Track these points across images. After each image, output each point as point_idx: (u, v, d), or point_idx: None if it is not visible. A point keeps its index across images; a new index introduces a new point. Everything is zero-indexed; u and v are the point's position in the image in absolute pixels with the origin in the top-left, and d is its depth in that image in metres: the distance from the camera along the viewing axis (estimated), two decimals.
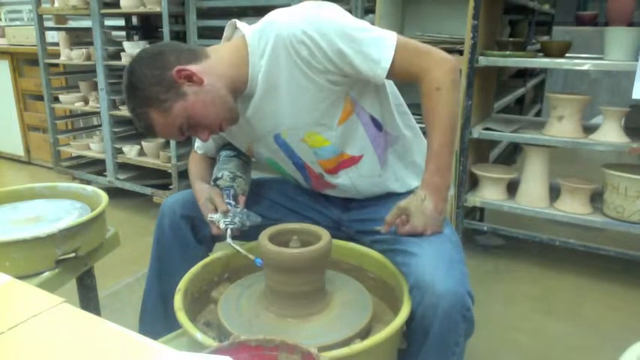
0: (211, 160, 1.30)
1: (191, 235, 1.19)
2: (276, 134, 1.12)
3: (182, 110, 1.00)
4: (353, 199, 1.23)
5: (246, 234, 1.09)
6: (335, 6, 1.03)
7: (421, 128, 1.15)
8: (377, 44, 0.98)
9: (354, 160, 1.13)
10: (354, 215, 1.22)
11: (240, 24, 1.11)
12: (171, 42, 1.12)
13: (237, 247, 1.03)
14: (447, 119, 1.00)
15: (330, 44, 0.97)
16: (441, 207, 1.01)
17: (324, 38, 0.96)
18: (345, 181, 1.16)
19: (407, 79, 1.03)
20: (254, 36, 1.04)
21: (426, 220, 0.99)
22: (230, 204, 1.10)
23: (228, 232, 1.06)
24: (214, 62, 1.04)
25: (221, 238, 1.09)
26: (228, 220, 1.07)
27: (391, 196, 1.17)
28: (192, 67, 1.00)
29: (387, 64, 0.98)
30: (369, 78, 1.01)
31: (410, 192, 1.18)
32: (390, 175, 1.17)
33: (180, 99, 0.99)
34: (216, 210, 1.09)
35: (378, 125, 1.12)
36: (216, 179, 1.16)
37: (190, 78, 1.00)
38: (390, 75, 1.00)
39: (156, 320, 1.20)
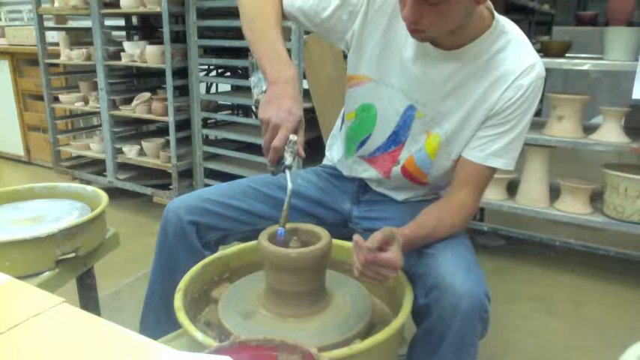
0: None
1: (196, 240, 1.16)
2: (412, 106, 1.07)
3: None
4: (366, 190, 1.23)
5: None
6: None
7: None
8: (507, 151, 1.04)
9: (421, 184, 1.16)
10: (364, 212, 1.22)
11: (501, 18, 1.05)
12: None
13: (288, 175, 0.91)
14: (437, 234, 1.01)
15: (514, 111, 1.00)
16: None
17: (521, 104, 1.00)
18: (397, 186, 1.18)
19: (452, 175, 1.08)
20: (502, 27, 1.02)
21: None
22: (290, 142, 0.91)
23: (287, 172, 0.91)
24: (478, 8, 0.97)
25: (269, 167, 0.94)
26: (290, 159, 0.90)
27: (399, 202, 1.20)
28: None
29: (487, 163, 1.03)
30: (470, 145, 1.05)
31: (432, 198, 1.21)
32: (423, 191, 1.21)
33: None
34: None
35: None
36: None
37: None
38: (463, 164, 1.05)
39: (158, 325, 1.19)
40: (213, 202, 1.19)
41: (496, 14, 1.02)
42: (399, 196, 1.20)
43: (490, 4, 1.02)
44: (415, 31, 0.94)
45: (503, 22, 1.03)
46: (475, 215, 2.43)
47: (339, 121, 1.30)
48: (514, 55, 1.01)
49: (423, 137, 1.09)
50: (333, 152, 1.31)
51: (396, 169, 1.14)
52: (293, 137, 0.90)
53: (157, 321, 1.19)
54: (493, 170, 1.05)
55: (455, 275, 0.90)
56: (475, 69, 1.01)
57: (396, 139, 1.12)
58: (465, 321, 0.88)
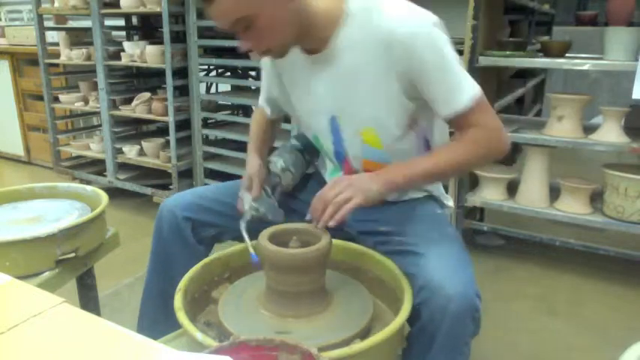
0: (272, 124, 1.32)
1: (191, 236, 1.19)
2: (333, 116, 1.09)
3: (257, 7, 0.92)
4: None
5: (263, 225, 1.06)
6: (444, 31, 1.01)
7: None
8: (461, 86, 0.98)
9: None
10: (358, 215, 1.22)
11: None
12: None
13: (245, 235, 1.03)
14: (454, 164, 1.00)
15: (422, 58, 0.95)
16: (376, 181, 0.98)
17: (420, 49, 0.95)
18: None
19: (458, 128, 1.03)
20: (356, 6, 1.00)
21: (354, 179, 0.97)
22: (266, 191, 1.11)
23: (248, 216, 1.06)
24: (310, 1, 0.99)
25: (240, 217, 1.10)
26: (256, 205, 1.08)
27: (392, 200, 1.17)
28: None
29: (459, 108, 0.98)
30: (436, 109, 1.00)
31: (416, 196, 1.19)
32: (415, 190, 1.18)
33: None
34: (250, 190, 1.11)
35: (428, 148, 1.12)
36: (269, 162, 1.17)
37: None
38: (454, 119, 1.00)
39: (156, 321, 1.20)
40: (208, 199, 1.22)
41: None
42: (391, 196, 1.17)
43: None
44: (264, 54, 1.01)
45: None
46: (475, 215, 2.45)
47: None
48: (385, 17, 0.97)
49: (359, 138, 1.08)
50: (322, 169, 1.32)
51: (357, 172, 1.13)
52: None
53: (155, 320, 1.20)
54: (471, 105, 0.98)
55: (444, 276, 0.89)
56: (356, 53, 1.00)
57: (339, 153, 1.14)
58: (455, 322, 0.87)
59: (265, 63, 1.20)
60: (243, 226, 1.06)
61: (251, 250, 0.99)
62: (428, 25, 0.96)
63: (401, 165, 1.01)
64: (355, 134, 1.08)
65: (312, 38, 1.01)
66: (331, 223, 0.95)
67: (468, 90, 0.98)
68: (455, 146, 1.01)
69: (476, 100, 0.98)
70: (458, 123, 1.01)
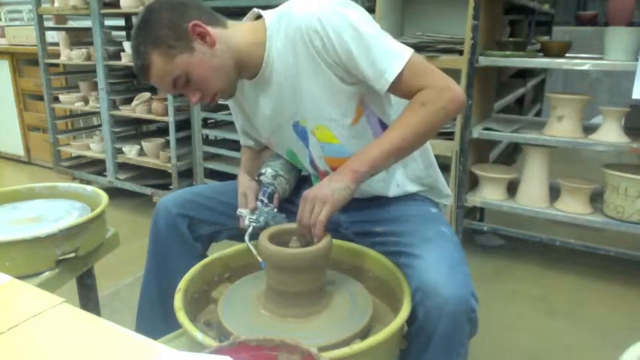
0: (260, 153, 1.34)
1: (188, 233, 1.20)
2: (295, 122, 1.11)
3: (185, 63, 0.99)
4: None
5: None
6: (359, 8, 1.02)
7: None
8: (387, 55, 0.96)
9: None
10: (353, 216, 1.22)
11: (261, 11, 1.11)
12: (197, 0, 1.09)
13: (251, 247, 1.03)
14: (412, 134, 0.97)
15: (339, 40, 0.96)
16: (338, 179, 0.97)
17: (335, 32, 0.96)
18: None
19: (406, 98, 1.01)
20: (273, 20, 1.05)
21: (317, 189, 0.97)
22: (262, 201, 1.12)
23: (250, 229, 1.06)
24: (231, 33, 1.05)
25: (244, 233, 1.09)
26: (254, 217, 1.08)
27: (389, 198, 1.16)
28: (209, 28, 1.00)
29: (391, 78, 0.96)
30: (373, 86, 0.99)
31: (407, 195, 1.17)
32: (392, 180, 1.16)
33: (187, 52, 0.99)
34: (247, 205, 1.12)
35: (383, 125, 1.11)
36: (260, 174, 1.18)
37: (204, 37, 1.00)
38: (393, 90, 0.98)
39: (154, 319, 1.20)
40: (204, 197, 1.23)
41: (265, 15, 1.07)
42: (371, 191, 1.16)
43: (258, 12, 1.09)
44: (213, 99, 1.06)
45: (271, 14, 1.06)
46: (475, 215, 2.45)
47: None
48: (294, 16, 1.01)
49: (313, 137, 1.10)
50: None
51: (328, 173, 1.14)
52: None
53: (152, 318, 1.20)
54: (405, 71, 0.96)
55: (439, 277, 0.88)
56: (285, 61, 1.04)
57: (310, 156, 1.15)
58: (451, 323, 0.87)
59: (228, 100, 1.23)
60: (247, 239, 1.05)
61: (259, 259, 0.98)
62: (331, 7, 0.98)
63: (359, 153, 0.99)
64: (310, 135, 1.10)
65: (248, 67, 1.06)
66: (315, 240, 0.94)
67: (397, 57, 0.97)
68: (406, 116, 0.98)
69: (409, 65, 0.96)
70: (403, 93, 1.00)
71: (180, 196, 1.23)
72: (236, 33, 1.05)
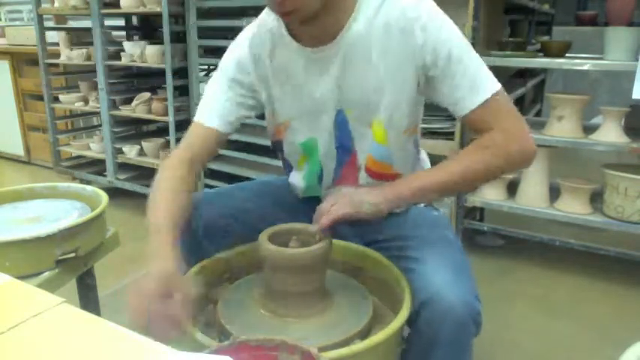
0: (191, 169, 1.03)
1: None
2: (339, 110, 1.01)
3: None
4: None
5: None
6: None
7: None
8: (474, 82, 0.91)
9: (394, 176, 1.06)
10: (358, 230, 1.19)
11: None
12: None
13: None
14: (463, 173, 0.92)
15: (442, 51, 0.90)
16: (375, 195, 0.93)
17: (438, 40, 0.90)
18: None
19: (475, 132, 0.96)
20: None
21: (352, 193, 0.93)
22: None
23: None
24: None
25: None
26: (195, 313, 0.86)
27: None
28: None
29: (473, 105, 0.91)
30: (449, 106, 0.94)
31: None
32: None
33: None
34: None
35: (417, 147, 1.10)
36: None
37: None
38: (465, 120, 0.93)
39: None
40: (245, 210, 1.12)
41: None
42: None
43: None
44: (287, 15, 0.89)
45: None
46: (475, 215, 2.45)
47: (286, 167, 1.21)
48: (394, 2, 0.92)
49: (368, 131, 1.01)
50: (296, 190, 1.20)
51: (362, 175, 1.07)
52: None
53: None
54: (490, 104, 0.92)
55: (443, 281, 0.87)
56: (370, 40, 0.94)
57: (345, 149, 1.05)
58: (457, 327, 0.86)
59: (233, 78, 1.06)
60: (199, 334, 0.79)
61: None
62: (441, 14, 0.93)
63: (409, 177, 0.98)
64: (366, 127, 1.01)
65: (329, 17, 0.93)
66: (316, 227, 0.92)
67: (490, 85, 0.92)
68: (465, 154, 0.94)
69: (496, 97, 0.92)
70: (474, 123, 0.94)
71: (229, 204, 1.10)
72: None
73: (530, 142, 0.95)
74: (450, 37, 0.92)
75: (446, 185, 0.93)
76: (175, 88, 2.58)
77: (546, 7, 3.70)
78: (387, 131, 1.01)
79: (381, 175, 1.07)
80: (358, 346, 0.78)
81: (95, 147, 3.05)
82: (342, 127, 1.03)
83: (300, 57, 0.99)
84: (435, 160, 1.24)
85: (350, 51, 0.95)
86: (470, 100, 0.92)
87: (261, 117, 1.16)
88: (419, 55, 0.92)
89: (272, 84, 1.05)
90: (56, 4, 2.90)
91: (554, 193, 2.11)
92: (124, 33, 3.23)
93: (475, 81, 0.92)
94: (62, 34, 3.05)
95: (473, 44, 1.96)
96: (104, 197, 1.27)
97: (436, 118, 2.18)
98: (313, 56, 0.98)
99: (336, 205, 0.93)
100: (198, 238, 1.08)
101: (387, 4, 0.93)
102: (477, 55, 0.95)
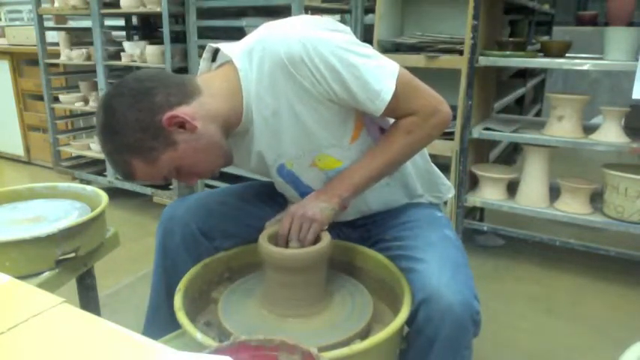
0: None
1: (212, 248, 1.11)
2: (280, 165, 1.04)
3: (170, 160, 0.90)
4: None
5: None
6: (331, 21, 0.95)
7: None
8: (377, 73, 0.90)
9: None
10: (358, 233, 1.19)
11: (224, 47, 0.98)
12: (157, 72, 0.94)
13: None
14: (394, 160, 0.99)
15: (328, 67, 0.87)
16: (325, 199, 0.97)
17: (322, 60, 0.87)
18: (357, 198, 1.06)
19: (395, 119, 0.98)
20: (243, 59, 0.94)
21: (305, 207, 0.96)
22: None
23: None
24: (207, 99, 0.93)
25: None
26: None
27: (393, 209, 1.16)
28: (185, 111, 0.89)
29: (387, 97, 0.90)
30: (366, 109, 0.93)
31: (416, 202, 1.17)
32: (397, 182, 1.14)
33: (170, 148, 0.89)
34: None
35: (375, 133, 1.08)
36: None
37: (183, 125, 0.89)
38: (386, 109, 0.92)
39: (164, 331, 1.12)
40: (227, 205, 1.15)
41: (232, 56, 0.95)
42: (380, 199, 1.13)
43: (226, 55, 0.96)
44: (212, 173, 0.99)
45: (239, 53, 0.95)
46: (475, 215, 2.45)
47: None
48: (269, 48, 0.89)
49: (314, 170, 1.04)
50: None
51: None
52: None
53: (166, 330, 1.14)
54: (396, 93, 0.91)
55: (443, 281, 0.88)
56: (266, 101, 0.94)
57: (307, 192, 1.04)
58: (455, 326, 0.87)
59: None
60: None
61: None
62: (312, 32, 0.88)
63: (343, 176, 0.99)
64: (308, 168, 1.03)
65: (235, 123, 0.97)
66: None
67: (389, 77, 0.90)
68: (391, 141, 0.97)
69: (398, 86, 0.91)
70: (393, 115, 0.97)
71: (199, 203, 1.11)
72: (212, 94, 0.93)
73: (445, 108, 0.97)
74: (330, 54, 0.87)
75: (379, 175, 1.00)
76: None
77: (546, 7, 3.71)
78: (332, 156, 1.02)
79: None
80: (358, 346, 0.79)
81: (95, 147, 3.04)
82: (290, 179, 1.07)
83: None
84: (435, 160, 1.25)
85: (258, 120, 0.97)
86: (384, 92, 0.90)
87: None
88: (316, 84, 0.89)
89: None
90: (56, 4, 2.90)
91: (554, 193, 2.12)
92: (124, 33, 3.23)
93: (376, 79, 0.90)
94: (62, 34, 3.05)
95: (473, 44, 1.98)
96: (104, 197, 1.27)
97: None
98: (235, 137, 1.02)
99: (303, 226, 0.95)
100: (198, 238, 1.09)
101: (256, 58, 0.92)
102: (362, 46, 0.92)
